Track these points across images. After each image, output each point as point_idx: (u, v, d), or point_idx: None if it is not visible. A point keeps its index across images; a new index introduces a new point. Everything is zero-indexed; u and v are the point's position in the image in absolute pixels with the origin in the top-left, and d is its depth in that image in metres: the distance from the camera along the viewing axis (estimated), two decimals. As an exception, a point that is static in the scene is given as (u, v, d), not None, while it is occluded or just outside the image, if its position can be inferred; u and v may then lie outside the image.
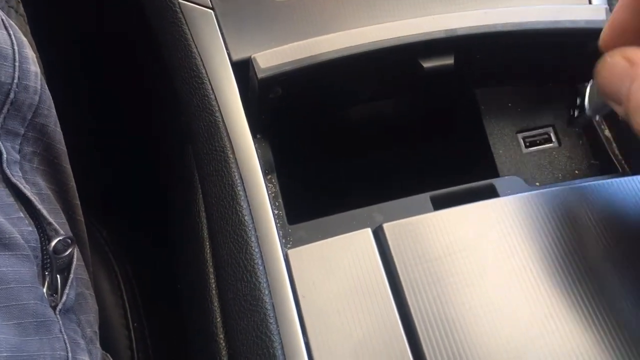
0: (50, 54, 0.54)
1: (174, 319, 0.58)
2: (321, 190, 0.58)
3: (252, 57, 0.47)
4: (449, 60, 0.49)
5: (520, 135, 0.54)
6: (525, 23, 0.48)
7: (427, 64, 0.48)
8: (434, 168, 0.57)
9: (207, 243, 0.49)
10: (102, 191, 0.74)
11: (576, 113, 0.53)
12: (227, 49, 0.50)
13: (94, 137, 0.77)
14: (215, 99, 0.49)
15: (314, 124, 0.55)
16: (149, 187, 0.68)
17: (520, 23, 0.48)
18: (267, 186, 0.47)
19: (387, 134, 0.58)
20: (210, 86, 0.49)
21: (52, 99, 0.47)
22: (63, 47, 0.71)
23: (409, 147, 0.60)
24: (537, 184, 0.53)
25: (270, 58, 0.46)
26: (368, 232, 0.43)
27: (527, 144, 0.53)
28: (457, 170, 0.56)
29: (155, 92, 0.63)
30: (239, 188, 0.46)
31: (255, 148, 0.48)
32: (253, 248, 0.43)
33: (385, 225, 0.43)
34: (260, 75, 0.46)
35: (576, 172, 0.53)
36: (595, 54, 0.51)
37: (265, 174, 0.48)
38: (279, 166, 0.50)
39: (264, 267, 0.42)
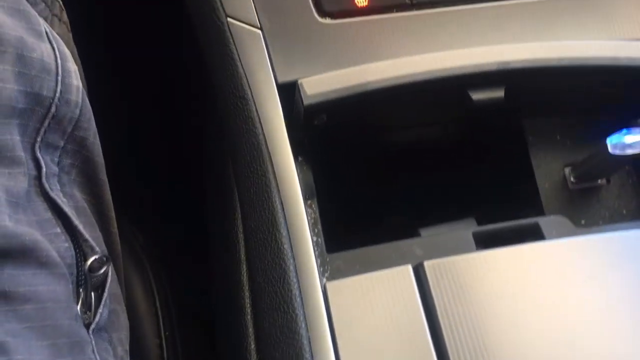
0: (91, 61, 0.54)
1: (206, 332, 0.59)
2: (361, 215, 0.58)
3: (299, 82, 0.46)
4: (499, 93, 0.47)
5: (567, 170, 0.52)
6: (582, 59, 0.47)
7: (476, 96, 0.47)
8: (478, 197, 0.56)
9: (244, 266, 0.49)
10: (140, 197, 0.75)
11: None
12: (273, 70, 0.50)
13: (135, 143, 0.77)
14: (260, 120, 0.49)
15: (356, 148, 0.54)
16: (189, 196, 0.68)
17: (577, 58, 0.47)
18: (306, 211, 0.47)
19: (430, 159, 0.57)
20: (254, 107, 0.49)
21: (91, 105, 0.47)
22: (105, 53, 0.71)
23: (452, 174, 0.59)
24: (583, 222, 0.51)
25: (317, 84, 0.46)
26: (408, 269, 0.42)
27: (575, 179, 0.52)
28: (501, 202, 0.55)
29: (198, 104, 0.63)
30: (279, 215, 0.45)
31: (297, 172, 0.47)
32: (291, 278, 0.43)
33: (427, 263, 0.42)
34: (306, 101, 0.45)
35: (624, 211, 0.51)
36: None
37: (305, 199, 0.47)
38: (320, 190, 0.50)
39: (302, 298, 0.42)
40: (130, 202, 0.72)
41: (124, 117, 0.76)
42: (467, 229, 0.51)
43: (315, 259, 0.44)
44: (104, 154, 0.50)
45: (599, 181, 0.52)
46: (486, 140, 0.56)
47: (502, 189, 0.57)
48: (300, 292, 0.42)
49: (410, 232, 0.52)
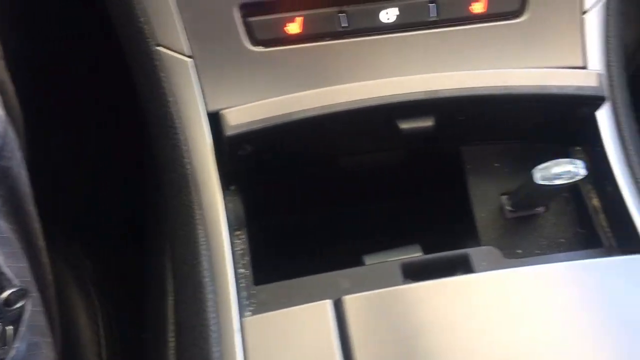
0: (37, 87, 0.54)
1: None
2: (295, 244, 0.57)
3: (220, 113, 0.45)
4: (428, 122, 0.47)
5: (504, 198, 0.51)
6: (510, 87, 0.46)
7: (404, 126, 0.47)
8: (413, 225, 0.55)
9: (170, 298, 0.48)
10: (91, 223, 0.74)
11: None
12: (204, 98, 0.49)
13: (82, 168, 0.76)
14: (188, 150, 0.48)
15: (291, 176, 0.54)
16: (140, 224, 0.67)
17: (505, 87, 0.46)
18: (235, 243, 0.46)
19: (370, 186, 0.56)
20: (183, 137, 0.48)
21: (37, 130, 0.46)
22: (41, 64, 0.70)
23: (394, 201, 0.58)
24: (519, 251, 0.50)
25: (240, 115, 0.45)
26: (327, 304, 0.41)
27: (511, 208, 0.51)
28: (436, 230, 0.54)
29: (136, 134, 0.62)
30: (202, 247, 0.44)
31: (226, 202, 0.47)
32: (209, 313, 0.42)
33: (347, 298, 0.41)
34: (228, 132, 0.45)
35: (561, 240, 0.51)
36: (584, 119, 0.49)
37: (234, 230, 0.46)
38: (252, 219, 0.49)
39: (219, 334, 0.41)
40: (80, 227, 0.72)
41: (80, 129, 0.75)
42: (412, 255, 0.50)
43: (241, 292, 0.44)
44: (52, 175, 0.49)
45: (537, 209, 0.51)
46: (425, 167, 0.55)
47: (443, 216, 0.56)
48: (218, 327, 0.41)
49: (354, 260, 0.51)
